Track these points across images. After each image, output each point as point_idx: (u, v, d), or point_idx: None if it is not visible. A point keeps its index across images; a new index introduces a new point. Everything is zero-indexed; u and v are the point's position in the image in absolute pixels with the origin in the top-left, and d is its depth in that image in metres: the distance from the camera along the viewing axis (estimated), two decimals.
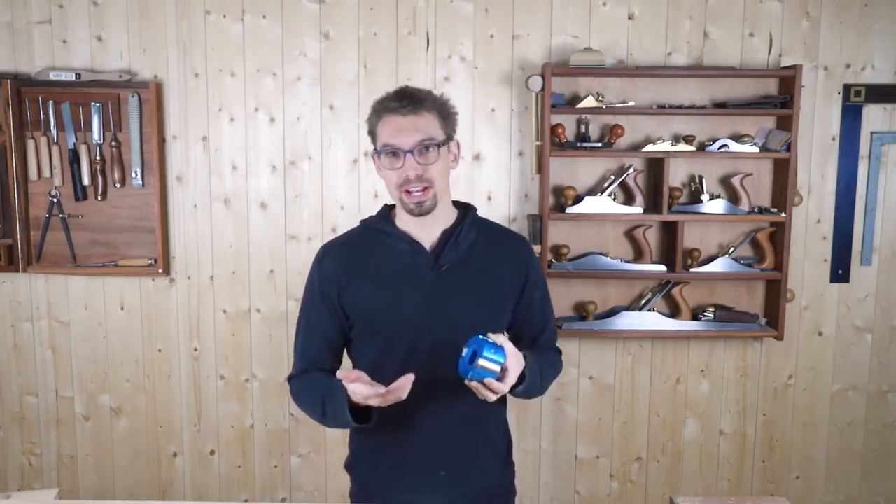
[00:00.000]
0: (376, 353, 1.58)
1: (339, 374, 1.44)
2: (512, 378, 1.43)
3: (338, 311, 1.59)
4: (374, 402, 1.40)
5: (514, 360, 1.44)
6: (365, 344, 1.61)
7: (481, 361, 1.38)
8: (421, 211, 1.52)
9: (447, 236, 1.58)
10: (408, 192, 1.50)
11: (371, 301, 1.57)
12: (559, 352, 1.76)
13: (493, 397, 1.43)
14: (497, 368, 1.39)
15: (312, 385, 1.58)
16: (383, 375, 1.47)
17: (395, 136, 1.49)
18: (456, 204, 1.65)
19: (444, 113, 1.54)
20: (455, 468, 1.61)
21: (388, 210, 1.65)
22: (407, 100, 1.49)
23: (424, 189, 1.49)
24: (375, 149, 1.53)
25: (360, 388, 1.39)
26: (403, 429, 1.57)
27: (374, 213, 1.68)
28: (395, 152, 1.49)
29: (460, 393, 1.49)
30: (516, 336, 1.70)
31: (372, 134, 1.55)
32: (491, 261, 1.61)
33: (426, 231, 1.58)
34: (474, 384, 1.41)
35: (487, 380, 1.40)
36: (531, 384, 1.53)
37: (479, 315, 1.58)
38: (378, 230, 1.61)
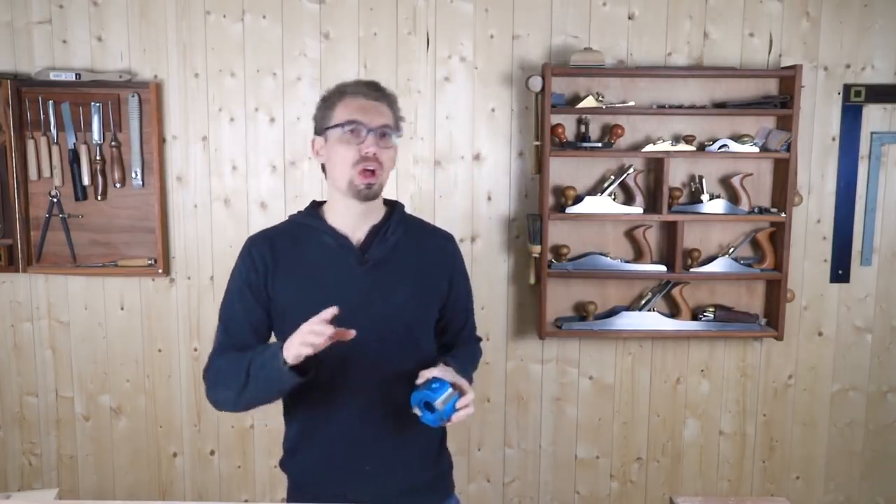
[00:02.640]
0: None
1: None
2: (466, 384, 1.49)
3: (265, 300, 1.57)
4: (319, 338, 1.34)
5: (451, 376, 1.49)
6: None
7: (438, 403, 1.42)
8: (368, 194, 1.52)
9: (375, 232, 1.59)
10: (363, 171, 1.50)
11: (296, 295, 1.56)
12: (479, 340, 1.81)
13: (471, 411, 1.47)
14: (452, 392, 1.44)
15: (233, 358, 1.52)
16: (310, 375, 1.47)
17: (361, 114, 1.50)
18: (384, 202, 1.66)
19: (397, 115, 1.59)
20: (380, 464, 1.60)
21: (316, 206, 1.65)
22: (374, 87, 1.55)
23: (375, 173, 1.51)
24: (329, 126, 1.52)
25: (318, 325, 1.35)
26: (329, 424, 1.57)
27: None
28: (356, 130, 1.50)
29: (385, 389, 1.51)
30: (442, 329, 1.71)
31: (323, 116, 1.54)
32: (418, 257, 1.62)
33: (355, 227, 1.59)
34: (459, 416, 1.46)
35: (460, 402, 1.46)
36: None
37: (405, 311, 1.59)
38: (305, 224, 1.61)
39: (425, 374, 1.46)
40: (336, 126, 1.52)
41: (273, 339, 1.61)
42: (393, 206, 1.66)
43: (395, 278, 1.58)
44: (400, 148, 1.60)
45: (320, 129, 1.56)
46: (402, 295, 1.58)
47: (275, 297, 1.57)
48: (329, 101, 1.55)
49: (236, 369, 1.49)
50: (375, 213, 1.61)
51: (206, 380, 1.60)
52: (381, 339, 1.54)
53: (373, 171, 1.50)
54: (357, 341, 1.50)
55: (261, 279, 1.57)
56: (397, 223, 1.61)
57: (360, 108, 1.51)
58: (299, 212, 1.66)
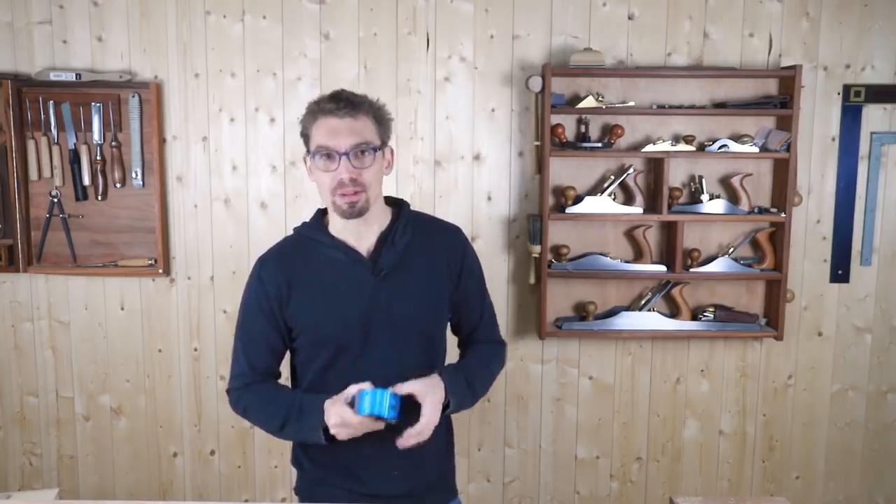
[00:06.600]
0: (323, 364, 1.58)
1: (350, 389, 1.45)
2: (431, 412, 1.47)
3: (280, 324, 1.59)
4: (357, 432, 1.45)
5: (431, 392, 1.48)
6: (311, 354, 1.60)
7: (367, 407, 1.43)
8: (352, 213, 1.50)
9: (383, 239, 1.58)
10: (341, 194, 1.48)
11: (314, 314, 1.57)
12: (502, 344, 1.75)
13: (427, 435, 1.48)
14: (380, 395, 1.43)
15: (270, 399, 1.58)
16: (331, 384, 1.51)
17: (330, 138, 1.47)
18: (389, 201, 1.64)
19: (380, 119, 1.53)
20: (406, 465, 1.61)
21: (320, 216, 1.64)
22: (344, 102, 1.47)
23: (356, 192, 1.48)
24: (308, 151, 1.52)
25: (353, 417, 1.43)
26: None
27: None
28: (329, 154, 1.47)
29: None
30: (455, 326, 1.71)
31: (305, 136, 1.53)
32: (427, 256, 1.61)
33: (362, 236, 1.57)
34: (411, 440, 1.47)
35: (406, 433, 1.46)
36: (460, 402, 1.55)
37: (422, 314, 1.59)
38: (314, 240, 1.60)
39: (404, 388, 1.46)
40: (312, 153, 1.50)
41: (296, 344, 1.63)
42: (399, 207, 1.64)
43: (408, 284, 1.57)
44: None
45: (306, 152, 1.55)
46: (416, 300, 1.58)
47: (290, 317, 1.58)
48: (305, 123, 1.52)
49: (271, 415, 1.55)
50: (380, 218, 1.59)
51: (235, 405, 1.63)
52: (399, 345, 1.55)
53: (355, 192, 1.48)
54: (376, 349, 1.55)
55: (273, 303, 1.57)
56: (405, 225, 1.59)
57: (330, 132, 1.47)
58: (305, 224, 1.65)
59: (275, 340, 1.61)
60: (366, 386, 1.43)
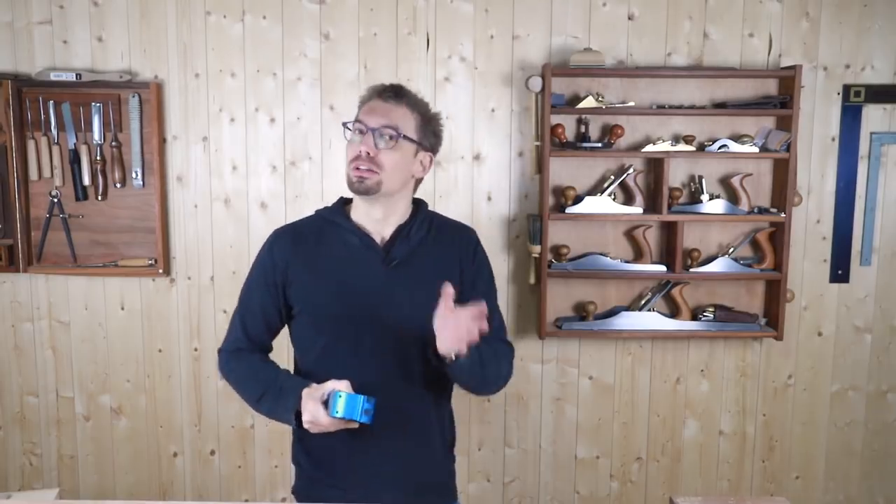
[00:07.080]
0: (322, 347, 1.59)
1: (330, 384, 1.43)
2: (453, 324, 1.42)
3: (279, 300, 1.61)
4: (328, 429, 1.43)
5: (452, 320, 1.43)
6: (311, 336, 1.61)
7: (340, 411, 1.40)
8: (359, 188, 1.54)
9: (399, 232, 1.61)
10: (355, 167, 1.53)
11: (318, 295, 1.58)
12: (510, 346, 1.75)
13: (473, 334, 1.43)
14: (353, 398, 1.41)
15: (255, 370, 1.60)
16: (330, 369, 1.51)
17: (366, 115, 1.55)
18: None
19: (426, 119, 1.59)
20: (401, 464, 1.61)
21: (342, 203, 1.67)
22: (392, 89, 1.57)
23: (370, 171, 1.52)
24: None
25: (325, 418, 1.41)
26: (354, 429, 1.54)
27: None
28: (361, 130, 1.55)
29: (408, 389, 1.54)
30: None
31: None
32: (439, 253, 1.63)
33: (380, 226, 1.60)
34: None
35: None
36: (471, 360, 1.50)
37: (426, 310, 1.56)
38: (331, 221, 1.63)
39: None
40: (350, 129, 1.58)
41: (296, 320, 1.64)
42: (418, 205, 1.67)
43: (417, 277, 1.58)
44: None
45: None
46: (423, 294, 1.56)
47: (294, 298, 1.60)
48: (358, 107, 1.60)
49: (251, 387, 1.58)
50: (400, 212, 1.62)
51: (222, 367, 1.66)
52: (402, 338, 1.55)
53: (368, 169, 1.52)
54: (376, 338, 1.56)
55: (278, 276, 1.60)
56: (421, 221, 1.63)
57: (369, 110, 1.56)
58: (326, 207, 1.68)
59: (272, 315, 1.63)
60: (342, 386, 1.42)
